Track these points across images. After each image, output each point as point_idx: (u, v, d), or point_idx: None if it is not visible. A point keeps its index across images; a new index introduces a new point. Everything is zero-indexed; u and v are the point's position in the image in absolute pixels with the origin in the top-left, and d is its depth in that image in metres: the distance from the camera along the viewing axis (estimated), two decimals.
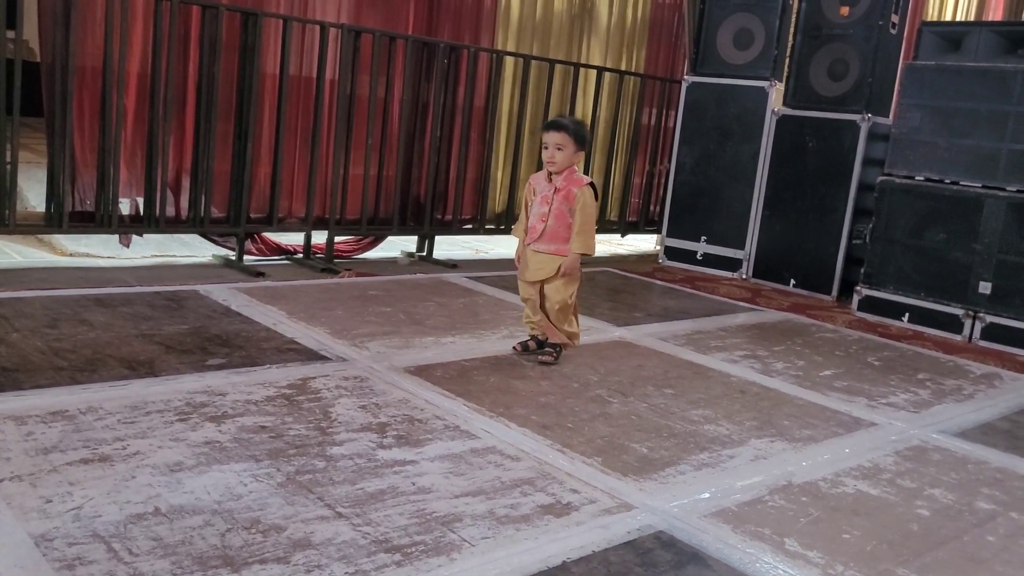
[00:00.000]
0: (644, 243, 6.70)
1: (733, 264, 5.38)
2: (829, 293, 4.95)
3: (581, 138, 2.98)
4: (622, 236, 6.29)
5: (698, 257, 5.54)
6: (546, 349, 3.10)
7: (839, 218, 4.91)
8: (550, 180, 3.01)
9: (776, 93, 5.23)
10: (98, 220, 3.92)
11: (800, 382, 3.18)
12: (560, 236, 3.00)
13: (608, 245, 6.64)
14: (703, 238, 5.52)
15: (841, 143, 4.93)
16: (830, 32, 5.06)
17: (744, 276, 5.33)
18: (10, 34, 3.57)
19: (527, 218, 3.08)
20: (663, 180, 6.14)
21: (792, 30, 5.25)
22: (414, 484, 1.98)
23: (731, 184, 5.40)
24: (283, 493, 1.86)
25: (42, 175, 3.89)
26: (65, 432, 2.03)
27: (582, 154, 3.03)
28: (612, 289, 4.63)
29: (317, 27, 4.44)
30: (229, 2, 4.18)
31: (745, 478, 2.22)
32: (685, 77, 5.64)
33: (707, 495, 2.09)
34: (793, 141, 5.13)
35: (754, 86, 5.30)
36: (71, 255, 4.24)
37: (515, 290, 4.18)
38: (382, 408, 2.44)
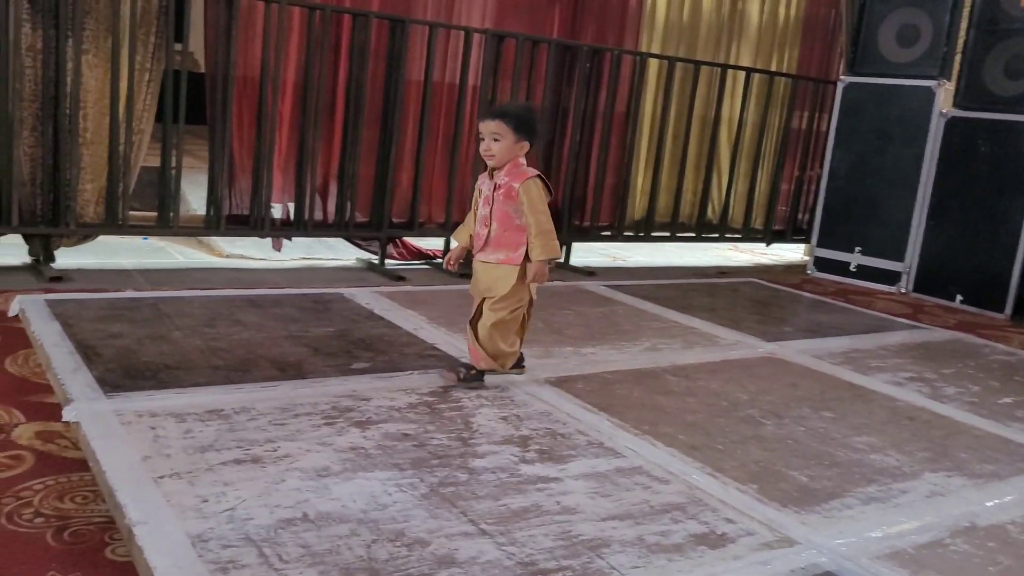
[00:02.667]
0: (791, 253, 6.40)
1: (891, 277, 5.04)
2: (1002, 311, 4.55)
3: (523, 125, 2.51)
4: (767, 245, 6.04)
5: (851, 269, 5.23)
6: (459, 369, 2.64)
7: (1015, 229, 4.51)
8: (492, 177, 2.58)
9: (944, 93, 4.87)
10: (252, 223, 4.07)
11: (976, 409, 2.90)
12: (510, 242, 2.55)
13: (752, 255, 6.39)
14: (857, 249, 5.20)
15: (1018, 147, 4.53)
16: (1008, 26, 4.66)
17: (903, 290, 4.98)
18: (178, 47, 3.76)
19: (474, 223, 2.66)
20: (813, 187, 5.84)
21: (964, 25, 4.87)
22: (558, 503, 1.90)
23: (890, 191, 5.06)
24: (427, 505, 1.82)
25: (203, 180, 4.07)
26: (220, 431, 2.07)
27: (526, 145, 2.54)
28: (758, 301, 4.41)
29: (462, 33, 4.46)
30: (378, 10, 4.26)
31: (921, 517, 2.03)
32: (841, 77, 5.34)
33: (878, 534, 1.92)
34: (963, 145, 4.75)
35: (919, 86, 4.95)
36: (227, 256, 4.43)
37: (655, 299, 4.07)
38: (523, 420, 2.38)
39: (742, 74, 5.44)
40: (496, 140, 2.51)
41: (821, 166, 5.55)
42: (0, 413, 2.15)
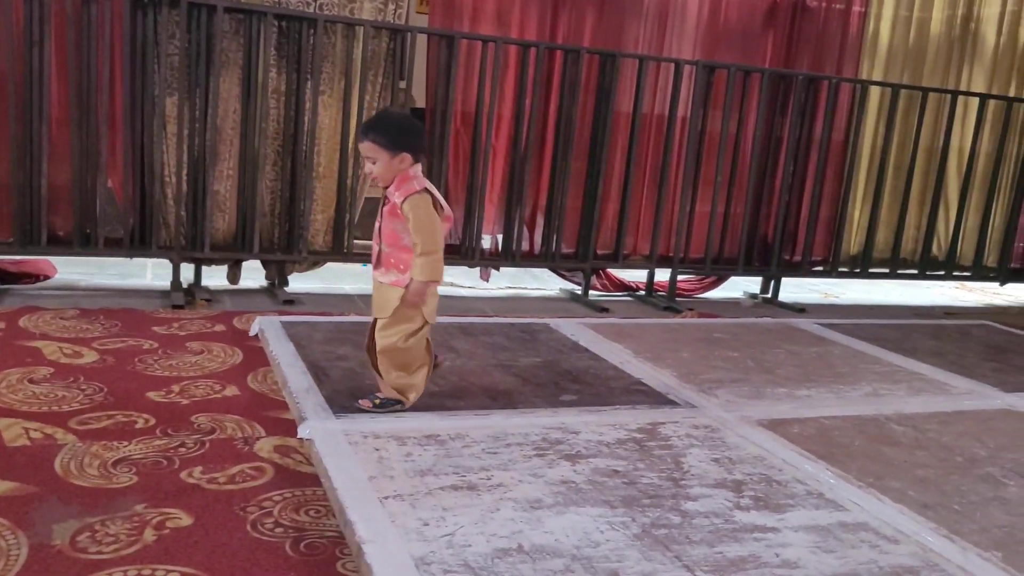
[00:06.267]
0: None
1: None
2: None
3: (394, 141, 2.29)
4: (1001, 285, 5.52)
5: None
6: (375, 394, 2.46)
7: None
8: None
9: None
10: (463, 253, 4.23)
11: None
12: (398, 262, 2.35)
13: (982, 294, 5.87)
14: None
15: None
16: None
17: None
18: (401, 84, 4.00)
19: None
20: None
21: None
22: (777, 555, 1.82)
23: None
24: (639, 546, 1.80)
25: None
26: (438, 456, 2.15)
27: (407, 157, 2.31)
28: (993, 347, 4.03)
29: (672, 65, 4.43)
30: (590, 45, 4.33)
31: None
32: None
33: None
34: None
35: None
36: None
37: (874, 340, 3.83)
38: (736, 464, 2.30)
39: (975, 101, 5.03)
40: (374, 162, 2.33)
41: None
42: (244, 426, 2.35)
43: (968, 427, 2.78)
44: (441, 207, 2.37)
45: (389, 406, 2.43)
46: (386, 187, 2.36)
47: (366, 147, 2.33)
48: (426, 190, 2.33)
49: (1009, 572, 1.84)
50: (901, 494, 2.19)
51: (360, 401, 2.45)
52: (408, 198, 2.30)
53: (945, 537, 1.98)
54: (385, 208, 2.36)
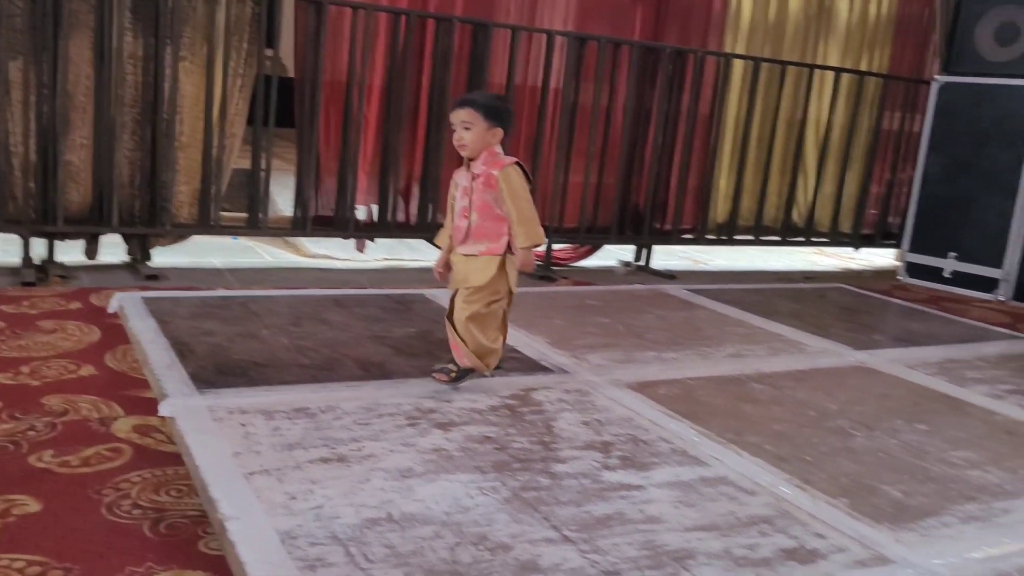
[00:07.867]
0: (880, 258, 6.20)
1: (988, 284, 4.84)
2: None
3: (494, 112, 2.42)
4: (855, 249, 5.86)
5: (945, 275, 5.04)
6: (448, 367, 2.51)
7: None
8: (469, 168, 2.48)
9: None
10: (337, 225, 4.15)
11: None
12: (490, 232, 2.45)
13: (839, 259, 6.22)
14: (952, 254, 5.01)
15: None
16: None
17: (1002, 298, 4.77)
18: (269, 52, 3.86)
19: (452, 220, 2.55)
20: (905, 190, 5.65)
21: None
22: (642, 512, 1.88)
23: (987, 195, 4.86)
24: (509, 509, 1.82)
25: (290, 182, 4.17)
26: (307, 430, 2.12)
27: (500, 132, 2.45)
28: (846, 308, 4.29)
29: (544, 36, 4.46)
30: (462, 14, 4.29)
31: None
32: (935, 77, 5.16)
33: (979, 555, 1.84)
34: None
35: (1020, 86, 4.73)
36: (312, 256, 4.53)
37: (738, 304, 4.00)
38: (605, 425, 2.37)
39: (830, 74, 5.29)
40: (467, 129, 2.41)
41: (913, 168, 5.36)
42: (100, 406, 2.24)
43: (821, 383, 2.94)
44: (530, 178, 2.49)
45: (463, 377, 2.50)
46: (470, 159, 2.45)
47: (465, 113, 2.41)
48: (517, 162, 2.46)
49: (854, 516, 1.97)
50: (758, 448, 2.31)
51: (434, 375, 2.50)
52: (503, 169, 2.42)
53: (798, 487, 2.09)
54: (478, 182, 2.44)
